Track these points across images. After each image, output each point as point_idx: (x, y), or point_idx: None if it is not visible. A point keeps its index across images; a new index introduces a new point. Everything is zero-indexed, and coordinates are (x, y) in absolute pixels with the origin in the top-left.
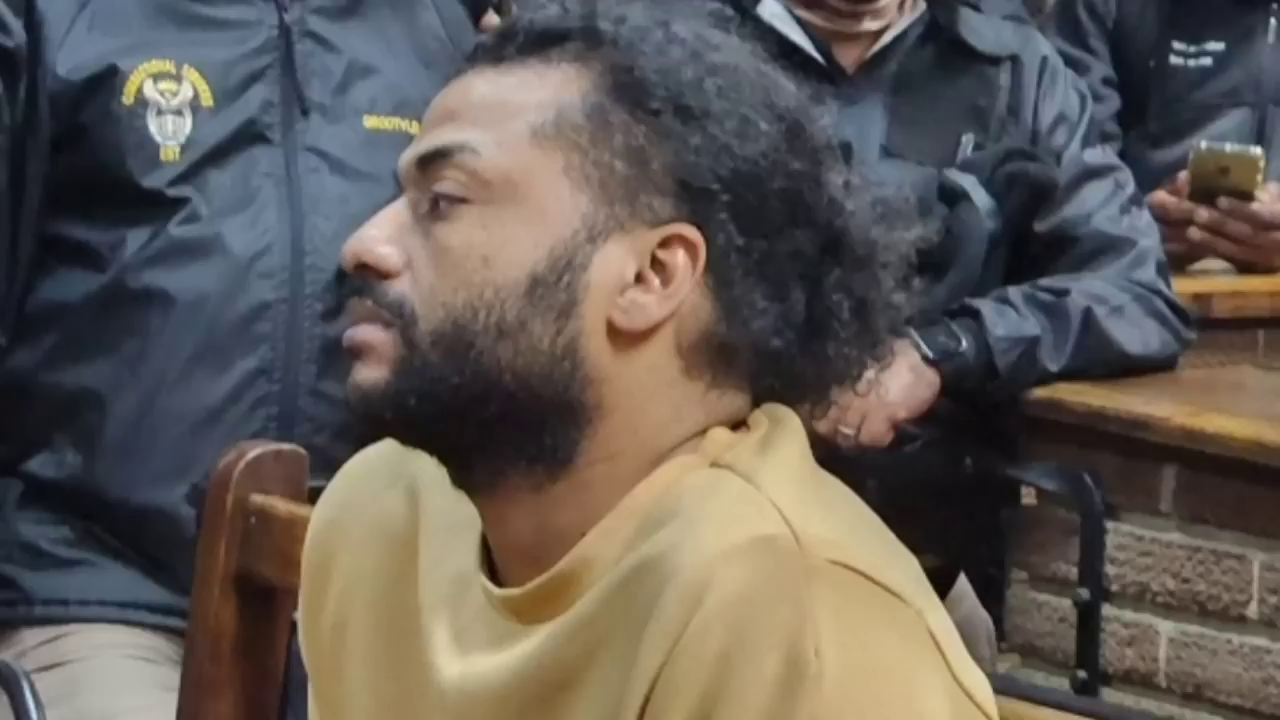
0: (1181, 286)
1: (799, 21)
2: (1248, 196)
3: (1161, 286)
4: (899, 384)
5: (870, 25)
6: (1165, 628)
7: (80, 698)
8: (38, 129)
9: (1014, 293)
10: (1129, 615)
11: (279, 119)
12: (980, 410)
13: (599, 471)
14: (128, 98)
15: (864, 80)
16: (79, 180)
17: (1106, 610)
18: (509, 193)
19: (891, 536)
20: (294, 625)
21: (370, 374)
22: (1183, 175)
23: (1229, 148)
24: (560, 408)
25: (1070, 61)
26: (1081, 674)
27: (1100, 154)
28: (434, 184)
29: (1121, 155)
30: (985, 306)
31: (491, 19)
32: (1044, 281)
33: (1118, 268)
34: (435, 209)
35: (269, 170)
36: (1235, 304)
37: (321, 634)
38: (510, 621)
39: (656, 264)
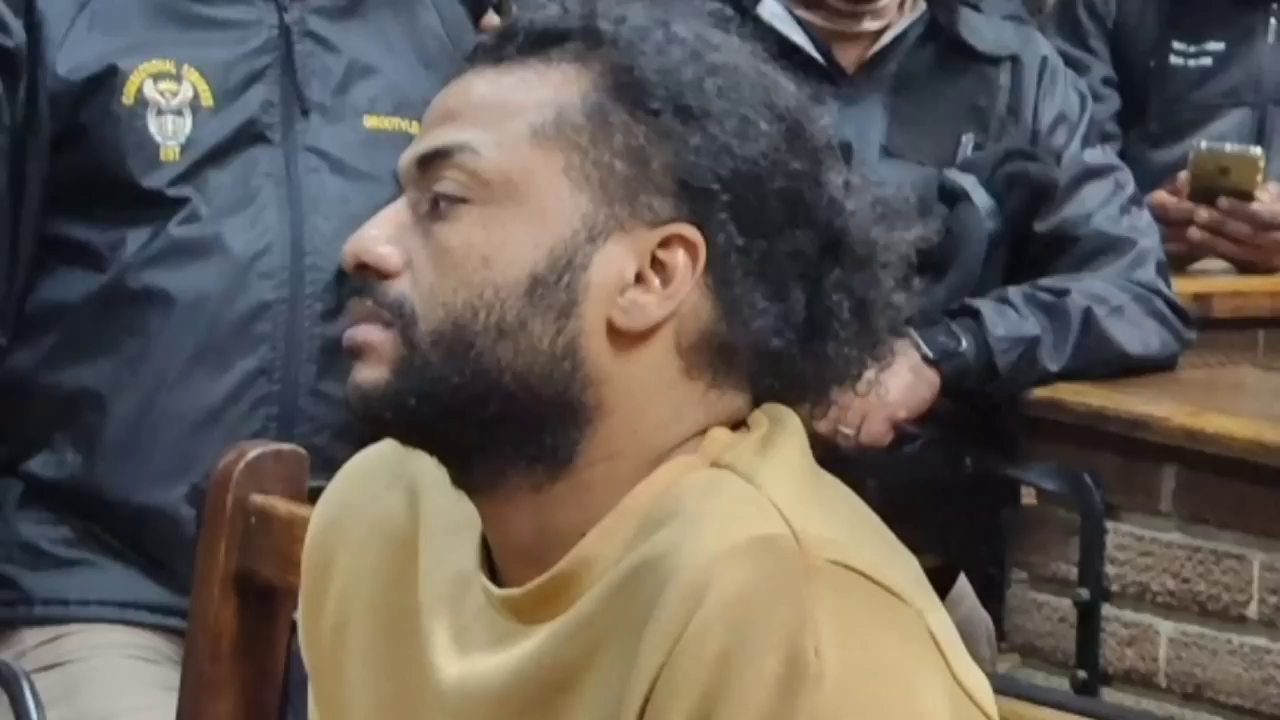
0: (1181, 286)
1: (799, 21)
2: (1248, 196)
3: (1161, 286)
4: (899, 384)
5: (870, 25)
6: (1165, 628)
7: (80, 698)
8: (38, 129)
9: (1014, 293)
10: (1129, 615)
11: (279, 119)
12: (980, 410)
13: (599, 471)
14: (128, 98)
15: (864, 80)
16: (79, 180)
17: (1106, 610)
18: (509, 193)
19: (891, 536)
20: (294, 625)
21: (370, 374)
22: (1183, 175)
23: (1229, 148)
24: (560, 408)
25: (1070, 61)
26: (1081, 674)
27: (1100, 154)
28: (434, 184)
29: (1121, 155)
30: (985, 306)
31: (491, 19)
32: (1044, 281)
33: (1118, 268)
34: (435, 209)
35: (269, 170)
36: (1235, 304)
37: (321, 634)
38: (510, 621)
39: (656, 264)
